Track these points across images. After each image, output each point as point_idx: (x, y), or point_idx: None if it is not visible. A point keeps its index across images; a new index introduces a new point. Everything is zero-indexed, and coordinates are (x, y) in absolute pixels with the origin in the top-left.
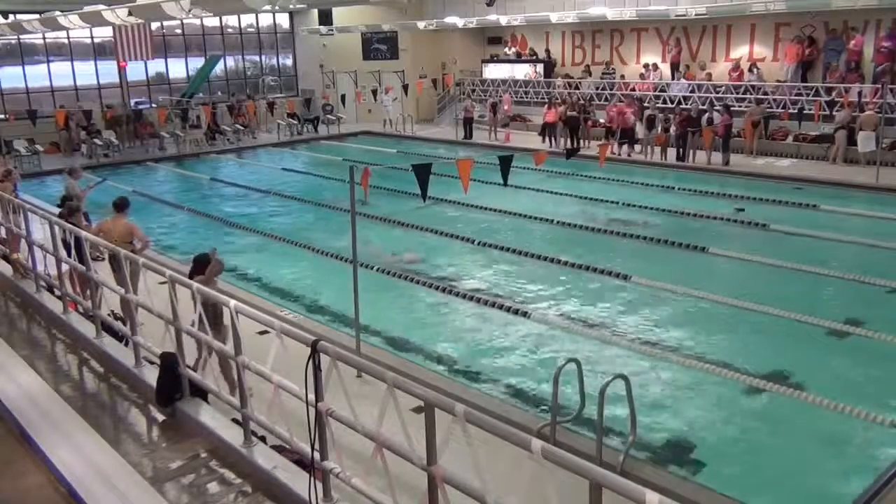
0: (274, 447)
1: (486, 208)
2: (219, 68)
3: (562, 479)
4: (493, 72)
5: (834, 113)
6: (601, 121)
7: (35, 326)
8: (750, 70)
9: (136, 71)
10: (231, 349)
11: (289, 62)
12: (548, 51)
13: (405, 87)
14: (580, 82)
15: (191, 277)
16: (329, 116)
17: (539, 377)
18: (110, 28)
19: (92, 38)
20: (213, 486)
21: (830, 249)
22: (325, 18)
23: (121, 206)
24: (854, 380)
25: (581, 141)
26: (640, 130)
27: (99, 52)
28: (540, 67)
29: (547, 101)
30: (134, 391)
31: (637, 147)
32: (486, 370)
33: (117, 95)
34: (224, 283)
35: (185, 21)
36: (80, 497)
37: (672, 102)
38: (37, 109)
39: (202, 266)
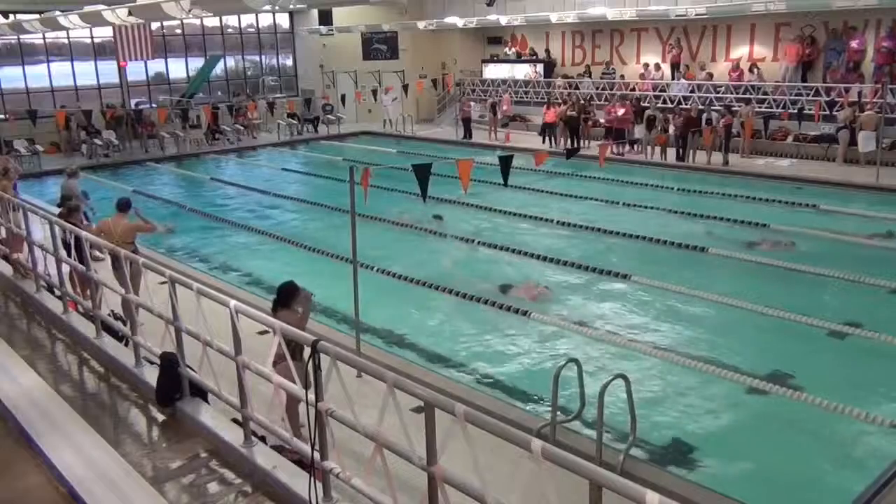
0: (274, 447)
1: (484, 208)
2: (219, 68)
3: (562, 479)
4: (493, 72)
5: (834, 113)
6: (601, 121)
7: (35, 326)
8: (750, 70)
9: (136, 71)
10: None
11: (289, 62)
12: (548, 51)
13: (405, 87)
14: (580, 82)
15: (274, 310)
16: (329, 116)
17: (539, 377)
18: (110, 28)
19: (92, 38)
20: (213, 486)
21: (830, 249)
22: (325, 18)
23: (122, 206)
24: (854, 380)
25: (581, 141)
26: (638, 130)
27: (99, 52)
28: (540, 67)
29: (546, 101)
30: (134, 391)
31: (636, 147)
32: (486, 370)
33: (117, 95)
34: (224, 283)
35: (185, 21)
36: (80, 497)
37: (672, 102)
38: (37, 109)
39: (287, 297)
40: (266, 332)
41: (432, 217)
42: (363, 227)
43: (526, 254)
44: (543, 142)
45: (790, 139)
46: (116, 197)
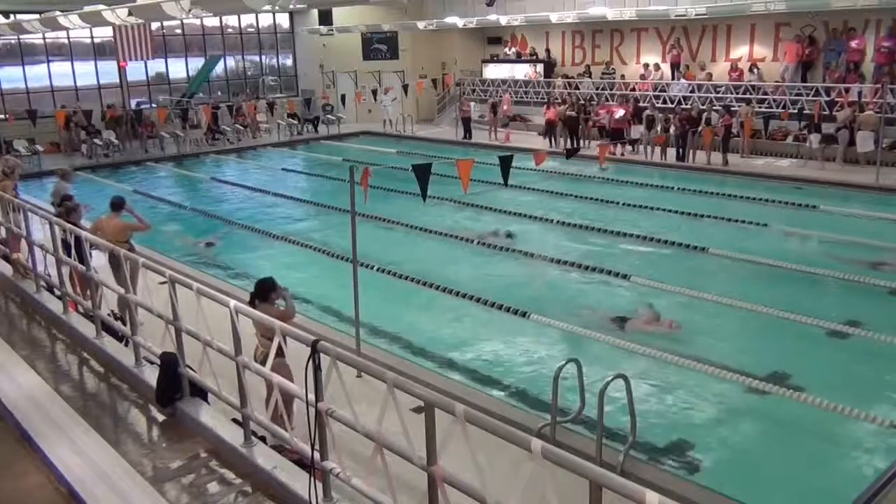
0: (274, 447)
1: (484, 207)
2: (219, 68)
3: (562, 479)
4: (493, 72)
5: (834, 113)
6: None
7: (35, 326)
8: (750, 70)
9: (136, 71)
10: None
11: (289, 62)
12: (548, 51)
13: (405, 87)
14: (580, 82)
15: (252, 304)
16: (329, 116)
17: (539, 377)
18: (110, 28)
19: (92, 38)
20: (213, 486)
21: (830, 249)
22: (325, 18)
23: (115, 205)
24: (854, 380)
25: (581, 141)
26: (634, 130)
27: (99, 52)
28: (540, 67)
29: (546, 101)
30: (134, 391)
31: (635, 147)
32: (486, 370)
33: (117, 95)
34: (224, 283)
35: (185, 21)
36: (80, 497)
37: (672, 102)
38: (37, 109)
39: (266, 291)
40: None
41: (505, 235)
42: (364, 226)
43: (523, 253)
44: (545, 139)
45: (790, 139)
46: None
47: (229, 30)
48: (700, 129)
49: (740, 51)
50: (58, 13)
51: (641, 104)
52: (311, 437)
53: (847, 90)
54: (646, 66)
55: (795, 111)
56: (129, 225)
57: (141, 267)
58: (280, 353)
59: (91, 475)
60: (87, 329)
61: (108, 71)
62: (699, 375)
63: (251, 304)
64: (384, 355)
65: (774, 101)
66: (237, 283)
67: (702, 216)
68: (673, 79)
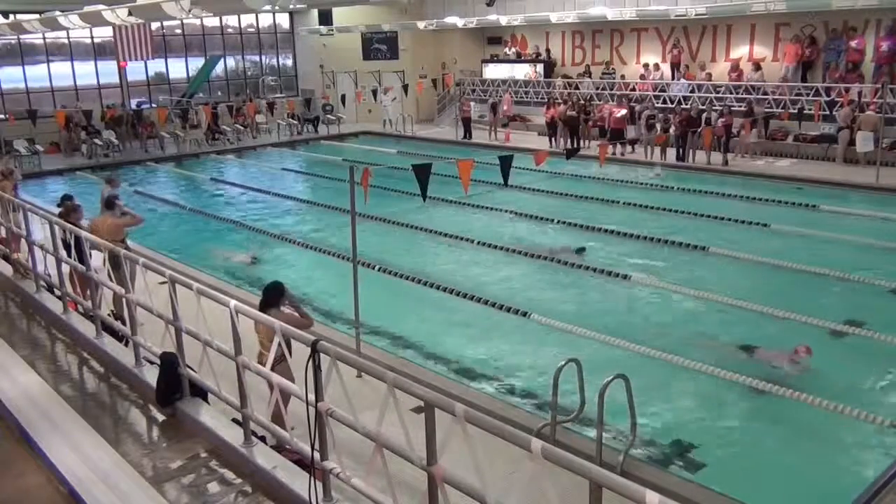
0: (274, 447)
1: (484, 208)
2: (219, 68)
3: (562, 479)
4: (493, 72)
5: (834, 113)
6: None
7: (35, 326)
8: (755, 68)
9: (136, 71)
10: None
11: (289, 62)
12: (548, 51)
13: (405, 87)
14: (580, 82)
15: (262, 310)
16: (329, 116)
17: (539, 377)
18: (110, 28)
19: (92, 38)
20: (213, 486)
21: (830, 249)
22: (325, 18)
23: (108, 203)
24: (854, 380)
25: (581, 141)
26: (631, 130)
27: (99, 52)
28: (540, 67)
29: (546, 101)
30: (134, 391)
31: (634, 147)
32: (486, 370)
33: (117, 95)
34: (223, 283)
35: (185, 21)
36: (80, 497)
37: (672, 102)
38: (37, 109)
39: (275, 296)
40: None
41: (574, 251)
42: (364, 226)
43: (524, 253)
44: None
45: (790, 139)
46: (110, 197)
47: (229, 30)
48: (700, 129)
49: (740, 51)
50: (58, 13)
51: (642, 104)
52: (311, 437)
53: (847, 90)
54: (646, 66)
55: (795, 111)
56: (123, 222)
57: (140, 266)
58: (284, 357)
59: (91, 475)
60: (87, 329)
61: (108, 71)
62: (699, 375)
63: (262, 309)
64: (384, 355)
65: (774, 101)
66: (238, 283)
67: (702, 216)
68: (673, 79)
